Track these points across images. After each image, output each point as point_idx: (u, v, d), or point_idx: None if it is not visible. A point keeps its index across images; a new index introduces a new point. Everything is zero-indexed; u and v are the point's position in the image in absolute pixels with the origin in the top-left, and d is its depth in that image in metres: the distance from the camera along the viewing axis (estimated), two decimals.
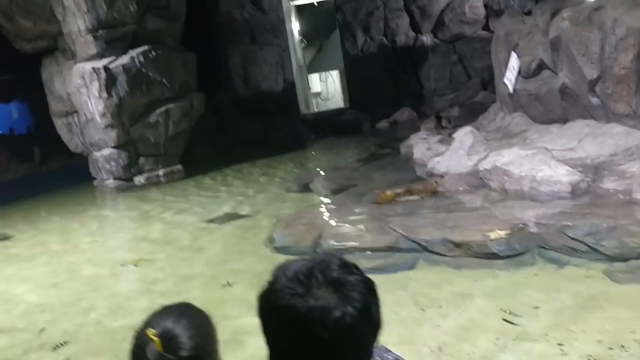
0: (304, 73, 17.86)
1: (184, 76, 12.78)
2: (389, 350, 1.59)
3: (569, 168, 6.20)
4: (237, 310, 5.31)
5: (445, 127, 12.53)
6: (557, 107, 8.20)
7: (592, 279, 4.84)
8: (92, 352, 4.98)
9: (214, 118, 15.73)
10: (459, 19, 16.57)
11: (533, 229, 5.47)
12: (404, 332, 4.49)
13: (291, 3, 17.48)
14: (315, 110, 18.02)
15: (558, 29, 7.75)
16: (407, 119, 15.79)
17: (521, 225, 5.49)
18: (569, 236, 5.18)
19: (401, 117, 15.92)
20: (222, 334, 4.90)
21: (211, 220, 8.64)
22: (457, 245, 5.48)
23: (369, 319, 1.31)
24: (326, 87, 18.39)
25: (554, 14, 8.19)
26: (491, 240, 5.31)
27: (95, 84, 11.54)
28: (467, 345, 4.19)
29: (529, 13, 9.96)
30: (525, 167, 6.32)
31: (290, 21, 17.52)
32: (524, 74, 8.88)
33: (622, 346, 3.80)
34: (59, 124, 13.37)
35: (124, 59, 11.84)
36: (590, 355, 3.76)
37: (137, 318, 5.20)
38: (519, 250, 5.23)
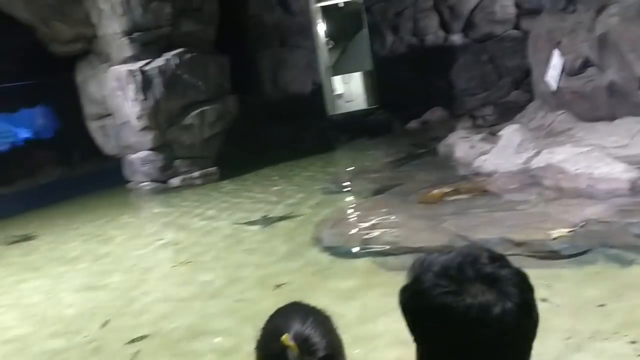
0: (329, 75, 17.80)
1: (218, 78, 12.79)
2: None
3: (626, 165, 6.07)
4: None
5: (482, 126, 12.38)
6: (603, 105, 8.04)
7: None
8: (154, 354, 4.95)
9: (244, 122, 15.72)
10: (490, 18, 16.42)
11: (595, 227, 5.36)
12: None
13: (317, 5, 17.43)
14: (338, 112, 17.93)
15: (606, 26, 7.61)
16: (438, 118, 15.66)
17: (583, 223, 5.37)
18: (633, 233, 5.06)
19: (432, 117, 15.80)
20: None
21: (253, 222, 8.59)
22: (518, 244, 5.37)
23: (529, 314, 1.23)
24: (349, 89, 18.31)
25: (600, 10, 8.05)
26: (554, 238, 5.20)
27: (132, 86, 11.58)
28: (536, 344, 4.10)
29: (563, 10, 9.84)
30: (581, 164, 6.21)
31: (317, 23, 17.49)
32: (568, 72, 8.73)
33: None
34: (94, 127, 13.44)
35: (160, 62, 11.88)
36: None
37: (193, 319, 5.19)
38: (582, 248, 5.11)
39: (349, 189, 9.56)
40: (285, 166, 13.00)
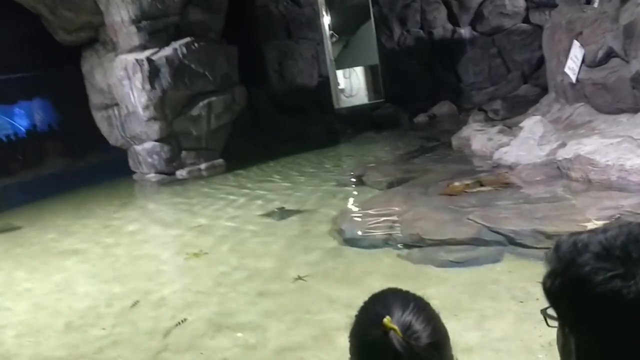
0: (333, 68, 17.58)
1: (226, 69, 12.58)
2: None
3: None
4: (317, 305, 5.08)
5: (493, 120, 12.21)
6: (627, 96, 7.86)
7: None
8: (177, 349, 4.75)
9: (250, 114, 15.53)
10: (499, 11, 16.22)
11: (631, 220, 5.17)
12: (507, 328, 4.26)
13: None
14: (344, 106, 17.73)
15: (632, 15, 7.43)
16: (446, 112, 15.51)
17: (618, 216, 5.20)
18: None
19: (440, 111, 15.64)
20: (310, 329, 4.71)
21: (267, 215, 8.40)
22: (550, 236, 5.20)
23: None
24: (350, 84, 18.10)
25: (625, 0, 7.87)
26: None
27: (138, 75, 11.35)
28: None
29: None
30: (611, 155, 6.03)
31: (323, 15, 17.27)
32: (589, 63, 8.55)
33: None
34: (99, 117, 13.20)
35: (167, 51, 11.65)
36: None
37: (213, 313, 5.00)
38: None
39: (363, 181, 9.37)
40: (293, 159, 12.80)
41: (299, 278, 5.74)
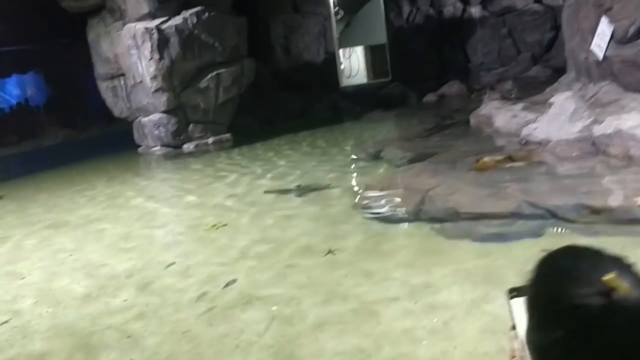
0: (337, 46, 17.20)
1: (235, 40, 12.24)
2: None
3: None
4: (352, 279, 4.84)
5: (507, 99, 11.96)
6: None
7: None
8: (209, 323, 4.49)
9: (254, 90, 15.20)
10: None
11: None
12: None
13: None
14: (346, 84, 17.35)
15: None
16: (456, 92, 15.26)
17: None
18: None
19: (450, 91, 15.39)
20: (349, 303, 4.44)
21: (285, 191, 8.10)
22: (596, 211, 4.97)
23: None
24: (349, 64, 17.71)
25: None
26: (639, 205, 4.81)
27: (147, 44, 11.00)
28: None
29: None
30: None
31: None
32: (619, 40, 8.27)
33: None
34: (104, 87, 12.84)
35: (177, 20, 11.29)
36: None
37: (242, 285, 4.73)
38: None
39: (381, 157, 9.11)
40: (299, 136, 12.52)
41: (330, 252, 5.50)
